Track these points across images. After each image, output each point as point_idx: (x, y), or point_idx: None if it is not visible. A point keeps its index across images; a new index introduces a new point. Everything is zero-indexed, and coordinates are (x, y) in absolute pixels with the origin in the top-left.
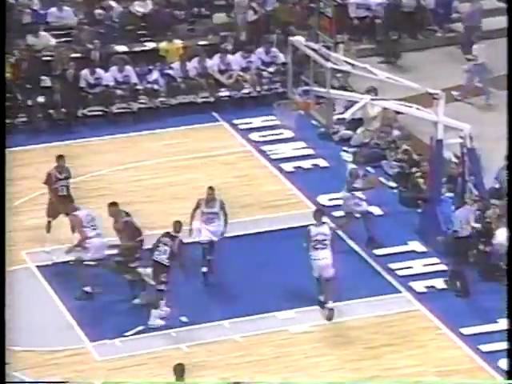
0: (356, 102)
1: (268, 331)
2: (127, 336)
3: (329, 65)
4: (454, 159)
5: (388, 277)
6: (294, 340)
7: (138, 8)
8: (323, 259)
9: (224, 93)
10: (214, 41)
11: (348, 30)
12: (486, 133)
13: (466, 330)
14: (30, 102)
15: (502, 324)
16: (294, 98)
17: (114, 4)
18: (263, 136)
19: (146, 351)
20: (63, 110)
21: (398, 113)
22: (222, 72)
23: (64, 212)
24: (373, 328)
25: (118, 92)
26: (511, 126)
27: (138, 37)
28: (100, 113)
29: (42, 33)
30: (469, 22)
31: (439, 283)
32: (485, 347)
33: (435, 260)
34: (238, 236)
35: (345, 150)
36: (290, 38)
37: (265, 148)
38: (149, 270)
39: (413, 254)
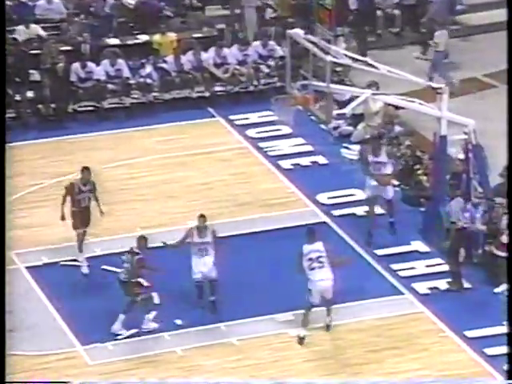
0: (357, 97)
1: (266, 334)
2: (120, 339)
3: (328, 58)
4: (460, 156)
5: (390, 278)
6: (292, 343)
7: (130, 0)
8: (321, 281)
9: (220, 87)
10: (210, 33)
11: (348, 23)
12: (492, 128)
13: (470, 333)
14: (18, 97)
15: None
16: (293, 92)
17: None
18: (260, 132)
19: (139, 355)
20: (53, 105)
21: (398, 108)
22: (217, 66)
23: (88, 224)
24: (374, 331)
25: (110, 86)
26: (511, 121)
27: (130, 29)
28: (91, 108)
29: (32, 25)
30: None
31: (442, 284)
32: (490, 350)
33: (439, 260)
34: (235, 236)
35: (345, 147)
36: (288, 31)
37: (262, 144)
38: None
39: (416, 255)
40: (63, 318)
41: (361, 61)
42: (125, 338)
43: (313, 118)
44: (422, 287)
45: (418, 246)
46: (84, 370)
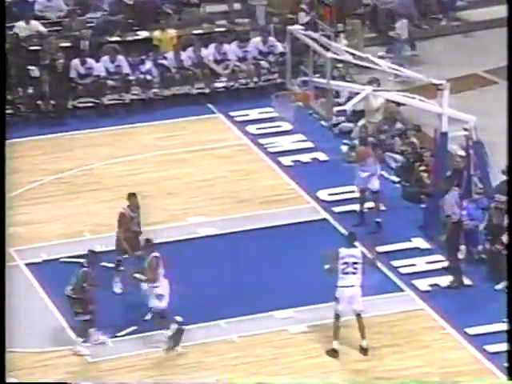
0: (357, 94)
1: (266, 331)
2: (119, 336)
3: (329, 55)
4: (460, 152)
5: (391, 275)
6: (293, 340)
7: None
8: (352, 287)
9: (220, 84)
10: (210, 29)
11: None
12: (492, 125)
13: (471, 330)
14: (18, 94)
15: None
16: (293, 89)
17: None
18: (261, 128)
19: (138, 352)
20: (52, 101)
21: (399, 104)
22: (217, 62)
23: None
24: (375, 328)
25: (110, 83)
26: (511, 117)
27: (130, 26)
28: (91, 104)
29: (32, 21)
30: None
31: (443, 281)
32: (491, 347)
33: (439, 257)
34: (235, 233)
35: (345, 143)
36: (289, 27)
37: (262, 141)
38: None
39: (416, 251)
40: (63, 315)
41: (361, 57)
42: (125, 335)
43: (313, 114)
44: (423, 284)
45: (419, 242)
46: (83, 368)
